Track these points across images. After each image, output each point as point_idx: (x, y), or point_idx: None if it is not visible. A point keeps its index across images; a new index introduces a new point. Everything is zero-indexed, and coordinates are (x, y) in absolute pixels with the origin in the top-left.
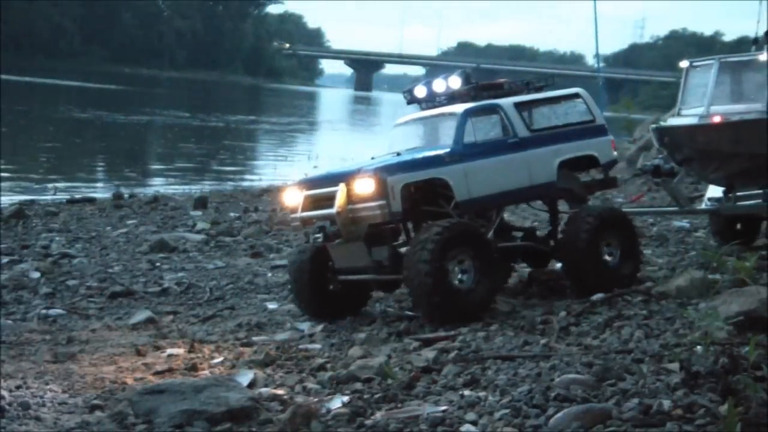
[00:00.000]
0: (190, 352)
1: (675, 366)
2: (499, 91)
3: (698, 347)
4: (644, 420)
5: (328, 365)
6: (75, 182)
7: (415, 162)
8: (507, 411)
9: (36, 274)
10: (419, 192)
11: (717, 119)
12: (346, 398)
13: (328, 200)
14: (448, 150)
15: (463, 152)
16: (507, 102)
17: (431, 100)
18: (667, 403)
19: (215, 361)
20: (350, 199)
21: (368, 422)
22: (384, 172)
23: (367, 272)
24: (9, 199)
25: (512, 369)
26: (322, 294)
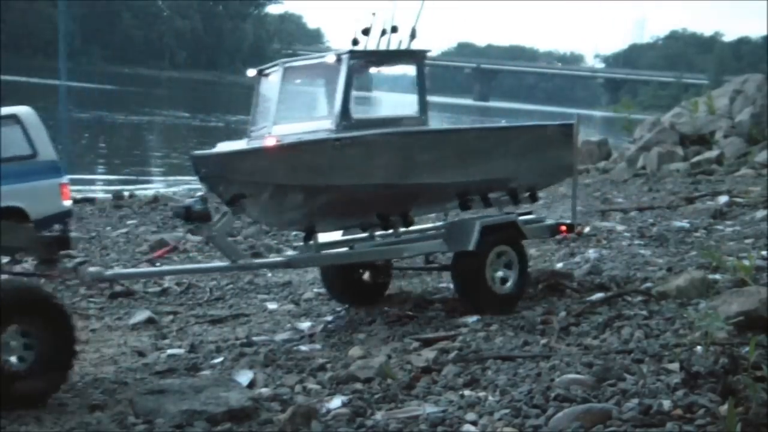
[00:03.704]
0: (190, 352)
1: (675, 366)
2: None
3: (698, 347)
4: (644, 420)
5: (328, 365)
6: (75, 182)
7: None
8: (507, 411)
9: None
10: None
11: (270, 142)
12: (346, 398)
13: None
14: None
15: None
16: None
17: None
18: (667, 403)
19: (215, 361)
20: None
21: (368, 422)
22: None
23: None
24: None
25: (512, 369)
26: None
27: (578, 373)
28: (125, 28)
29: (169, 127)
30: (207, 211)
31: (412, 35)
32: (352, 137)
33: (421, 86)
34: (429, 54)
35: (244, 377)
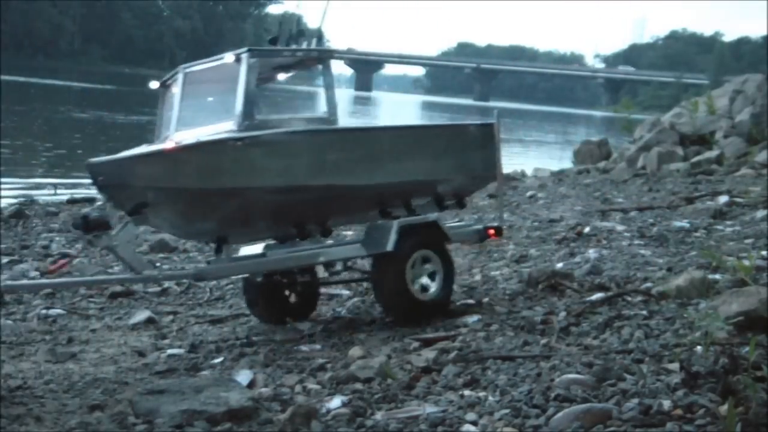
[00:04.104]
0: (190, 352)
1: (675, 366)
2: None
3: (698, 347)
4: (644, 420)
5: (328, 365)
6: (75, 182)
7: None
8: (507, 411)
9: (36, 274)
10: None
11: (169, 145)
12: (346, 398)
13: None
14: None
15: None
16: None
17: None
18: (667, 403)
19: (215, 361)
20: None
21: (368, 422)
22: None
23: None
24: (9, 200)
25: (512, 369)
26: None
27: (578, 373)
28: (125, 28)
29: None
30: (105, 220)
31: (319, 37)
32: (254, 136)
33: (329, 86)
34: (335, 54)
35: (244, 377)
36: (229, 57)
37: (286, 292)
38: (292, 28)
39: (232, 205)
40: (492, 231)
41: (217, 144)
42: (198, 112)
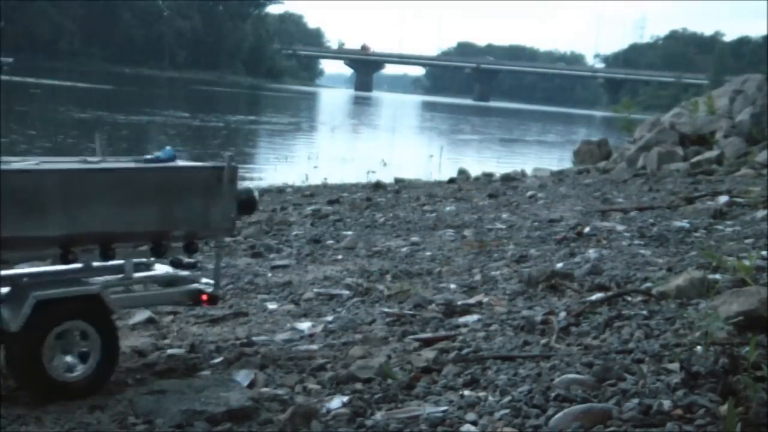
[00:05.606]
0: (190, 352)
1: (675, 366)
2: None
3: (698, 347)
4: (644, 420)
5: (328, 365)
6: None
7: None
8: (507, 411)
9: None
10: None
11: None
12: (346, 398)
13: None
14: None
15: None
16: None
17: None
18: (667, 403)
19: (215, 361)
20: None
21: (368, 422)
22: None
23: None
24: None
25: (512, 369)
26: None
27: (578, 373)
28: (125, 28)
29: (169, 127)
30: None
31: None
32: None
33: None
34: None
35: (244, 377)
36: None
37: None
38: None
39: None
40: (205, 297)
41: None
42: None
